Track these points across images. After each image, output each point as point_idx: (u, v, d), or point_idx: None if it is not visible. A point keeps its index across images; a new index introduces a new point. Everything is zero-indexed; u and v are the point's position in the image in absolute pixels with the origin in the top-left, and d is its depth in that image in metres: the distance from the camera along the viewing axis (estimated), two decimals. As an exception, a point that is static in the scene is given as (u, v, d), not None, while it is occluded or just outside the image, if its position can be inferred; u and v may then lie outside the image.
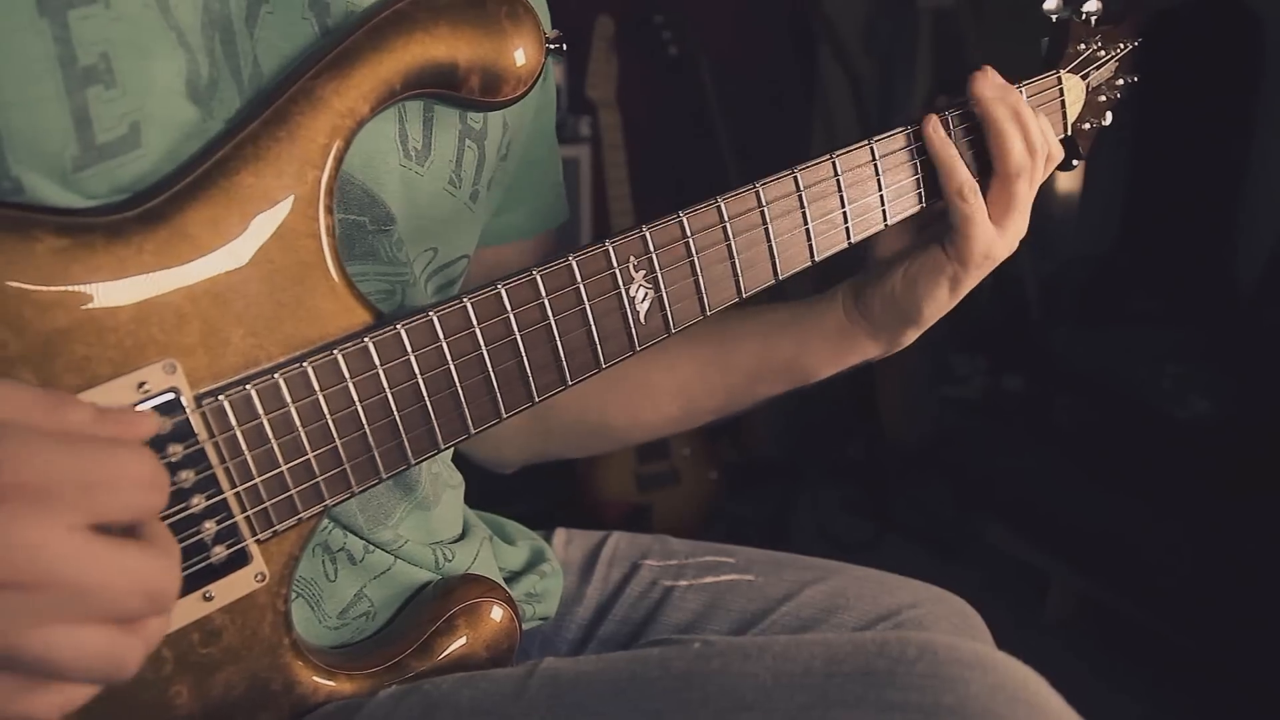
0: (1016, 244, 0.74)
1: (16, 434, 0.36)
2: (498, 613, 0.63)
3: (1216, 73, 2.52)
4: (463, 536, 0.72)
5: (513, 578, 0.75)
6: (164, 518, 0.45)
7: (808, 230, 0.66)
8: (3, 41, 0.43)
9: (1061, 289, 2.88)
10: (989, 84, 0.71)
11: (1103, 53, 0.84)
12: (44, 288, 0.42)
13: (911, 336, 0.79)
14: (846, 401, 2.95)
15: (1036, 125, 0.72)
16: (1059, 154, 0.75)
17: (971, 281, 0.74)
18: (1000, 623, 0.77)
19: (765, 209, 0.63)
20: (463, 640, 0.61)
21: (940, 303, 0.75)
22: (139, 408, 0.44)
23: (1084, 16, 0.81)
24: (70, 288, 0.43)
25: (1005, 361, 2.88)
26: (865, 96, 2.89)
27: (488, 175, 0.67)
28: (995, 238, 0.72)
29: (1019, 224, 0.74)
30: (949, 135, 0.72)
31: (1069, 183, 3.30)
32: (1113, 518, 2.14)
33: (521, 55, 0.55)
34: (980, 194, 0.71)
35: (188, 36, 0.49)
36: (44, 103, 0.45)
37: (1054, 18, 0.81)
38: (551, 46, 0.57)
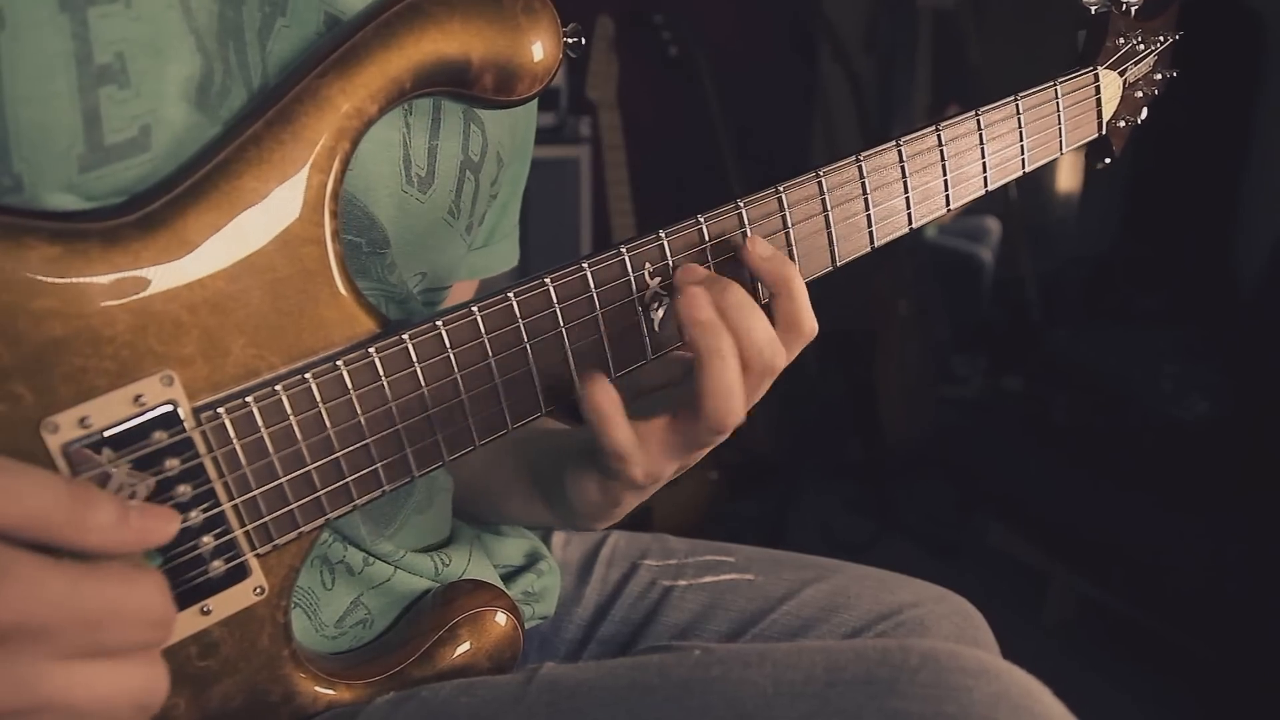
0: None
1: (25, 570, 0.37)
2: (501, 618, 0.62)
3: (1216, 73, 2.51)
4: (451, 539, 0.72)
5: (509, 577, 0.75)
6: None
7: (830, 234, 0.64)
8: (21, 35, 0.42)
9: (1061, 289, 2.88)
10: (701, 307, 0.52)
11: (1142, 47, 0.80)
12: (38, 297, 0.41)
13: (600, 520, 0.66)
14: (846, 402, 2.95)
15: (758, 349, 0.54)
16: (781, 364, 0.57)
17: (632, 499, 0.62)
18: (1000, 624, 0.76)
19: (788, 213, 0.61)
20: (465, 648, 0.60)
21: (591, 501, 0.63)
22: (137, 419, 0.44)
23: (1124, 9, 0.78)
24: (65, 298, 0.42)
25: (1005, 362, 2.88)
26: (865, 96, 2.89)
27: (481, 209, 0.66)
28: (663, 468, 0.56)
29: (696, 457, 0.58)
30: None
31: (1069, 183, 3.30)
32: (1112, 518, 2.14)
33: (539, 50, 0.52)
34: (637, 452, 0.54)
35: (205, 41, 0.48)
36: (55, 99, 0.43)
37: (1093, 9, 0.77)
38: (569, 41, 0.55)
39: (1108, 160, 0.83)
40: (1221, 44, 2.54)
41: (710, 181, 2.66)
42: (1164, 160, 2.67)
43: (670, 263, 0.57)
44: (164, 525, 0.42)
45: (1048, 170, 3.29)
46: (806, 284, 0.60)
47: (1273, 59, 2.54)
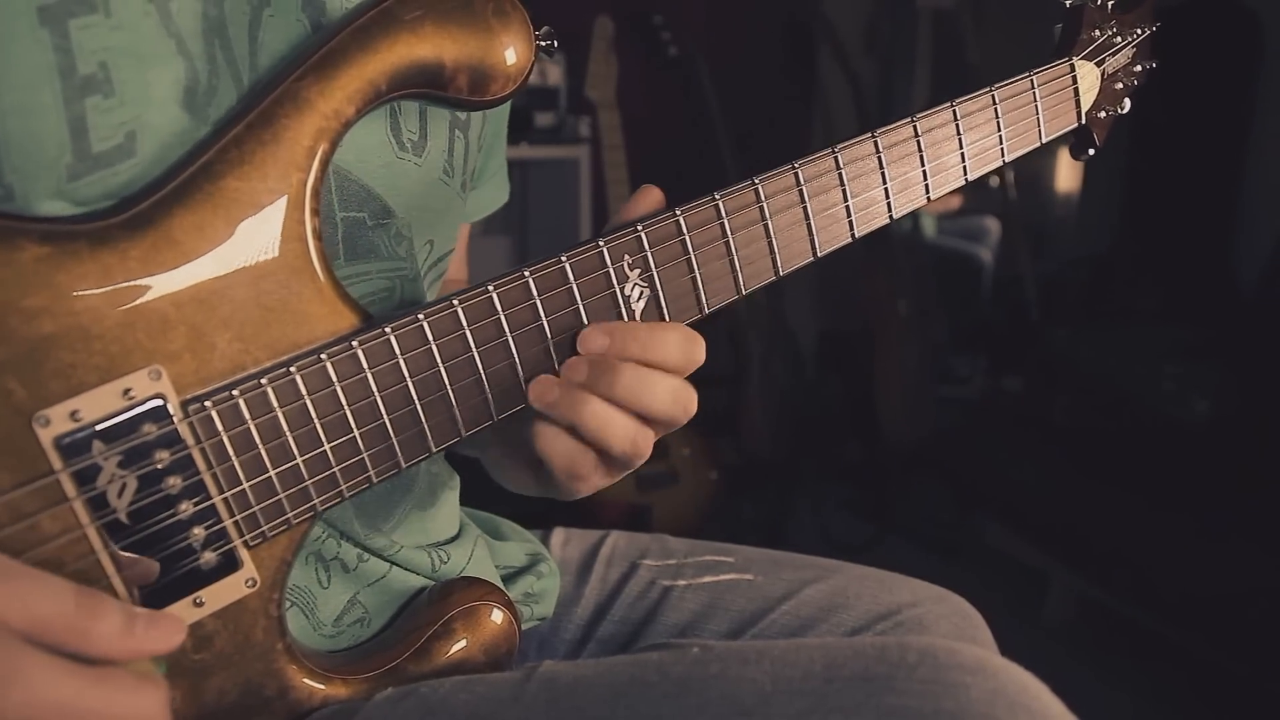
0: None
1: (33, 672, 0.38)
2: (497, 615, 0.62)
3: (1216, 72, 2.52)
4: (457, 536, 0.72)
5: (509, 578, 0.75)
6: (153, 523, 0.45)
7: (809, 225, 0.64)
8: (4, 51, 0.43)
9: (1061, 289, 2.88)
10: (546, 393, 0.55)
11: (1119, 38, 0.81)
12: (29, 295, 0.42)
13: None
14: (846, 402, 2.95)
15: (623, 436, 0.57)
16: (692, 409, 0.59)
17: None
18: (999, 624, 0.76)
19: (765, 204, 0.62)
20: (461, 644, 0.60)
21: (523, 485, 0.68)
22: (126, 413, 0.44)
23: (1099, 1, 0.79)
24: (55, 295, 0.43)
25: (1005, 362, 2.88)
26: (865, 97, 2.89)
27: (472, 165, 0.67)
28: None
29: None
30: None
31: (1069, 183, 3.30)
32: (1112, 518, 2.14)
33: (512, 54, 0.54)
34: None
35: (188, 43, 0.49)
36: (42, 111, 0.44)
37: (1067, 3, 0.79)
38: (542, 44, 0.56)
39: (1091, 151, 0.83)
40: (1220, 44, 2.54)
41: (710, 182, 2.66)
42: (1164, 160, 2.68)
43: (649, 254, 0.58)
44: (169, 635, 0.43)
45: (1047, 170, 3.29)
46: (795, 271, 0.65)
47: (1271, 59, 2.54)
